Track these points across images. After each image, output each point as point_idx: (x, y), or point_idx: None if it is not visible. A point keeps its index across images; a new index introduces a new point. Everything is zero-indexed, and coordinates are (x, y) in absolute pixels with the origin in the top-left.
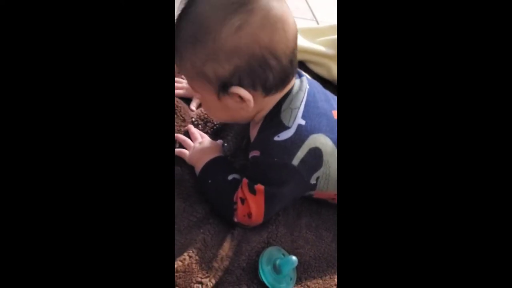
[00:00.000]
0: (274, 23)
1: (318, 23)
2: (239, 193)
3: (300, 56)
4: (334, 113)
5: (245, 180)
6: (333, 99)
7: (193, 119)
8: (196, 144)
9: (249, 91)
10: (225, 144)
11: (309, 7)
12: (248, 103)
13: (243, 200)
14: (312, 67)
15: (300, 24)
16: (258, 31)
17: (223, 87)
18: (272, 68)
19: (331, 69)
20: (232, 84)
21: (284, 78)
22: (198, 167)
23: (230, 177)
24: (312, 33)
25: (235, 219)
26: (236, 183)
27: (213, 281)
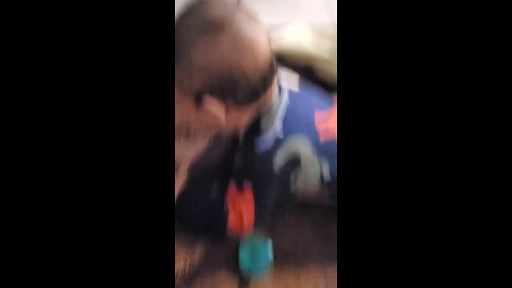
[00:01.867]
0: (242, 46)
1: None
2: (229, 202)
3: (307, 63)
4: (317, 114)
5: (232, 186)
6: (323, 100)
7: None
8: None
9: (221, 103)
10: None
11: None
12: (217, 113)
13: (233, 206)
14: (317, 69)
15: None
16: (226, 52)
17: (198, 99)
18: (240, 86)
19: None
20: (206, 94)
21: (255, 95)
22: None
23: (213, 190)
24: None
25: (229, 226)
26: (222, 193)
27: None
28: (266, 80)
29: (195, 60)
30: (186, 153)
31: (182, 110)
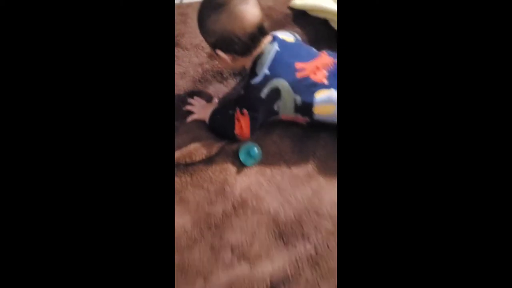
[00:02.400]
0: (234, 19)
1: None
2: (236, 115)
3: (322, 15)
4: (297, 64)
5: (237, 109)
6: (310, 51)
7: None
8: (199, 104)
9: (226, 54)
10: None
11: None
12: (225, 60)
13: (237, 119)
14: (333, 24)
15: None
16: (225, 22)
17: (214, 49)
18: (236, 43)
19: None
20: (216, 48)
21: (247, 48)
22: (207, 115)
23: (230, 112)
24: None
25: (235, 131)
26: (233, 114)
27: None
28: (254, 39)
29: (209, 27)
30: (215, 89)
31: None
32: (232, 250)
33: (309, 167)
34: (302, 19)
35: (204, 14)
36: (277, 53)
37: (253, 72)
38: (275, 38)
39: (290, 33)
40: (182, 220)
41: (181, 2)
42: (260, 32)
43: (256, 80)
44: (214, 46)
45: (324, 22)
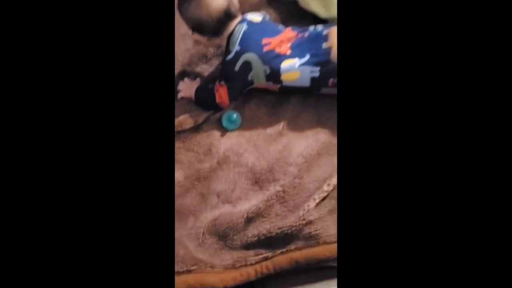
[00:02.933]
0: (201, 7)
1: None
2: (216, 87)
3: None
4: (264, 40)
5: (217, 82)
6: (275, 28)
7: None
8: (185, 84)
9: (201, 35)
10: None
11: None
12: (202, 41)
13: (217, 90)
14: (302, 4)
15: None
16: (195, 10)
17: (193, 33)
18: (206, 26)
19: (310, 6)
20: (193, 32)
21: (217, 30)
22: (192, 92)
23: (210, 86)
24: None
25: (216, 100)
26: (213, 87)
27: None
28: (222, 23)
29: (184, 14)
30: (201, 69)
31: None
32: (218, 196)
33: (280, 127)
34: (274, 1)
35: (180, 4)
36: (245, 32)
37: (227, 49)
38: (243, 20)
39: (261, 13)
40: (177, 174)
41: None
42: (226, 16)
43: (230, 56)
44: (192, 30)
45: (294, 2)
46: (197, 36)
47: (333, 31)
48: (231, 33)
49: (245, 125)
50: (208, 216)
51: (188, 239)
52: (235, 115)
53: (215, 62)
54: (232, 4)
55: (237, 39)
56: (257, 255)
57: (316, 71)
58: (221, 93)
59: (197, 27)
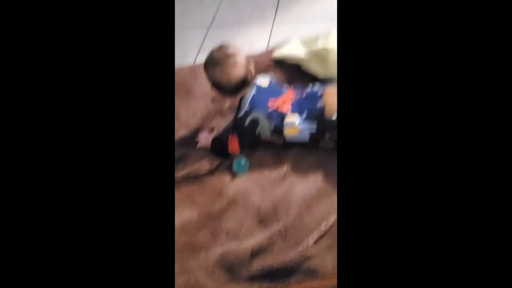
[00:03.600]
0: (223, 74)
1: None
2: (229, 138)
3: (295, 62)
4: (272, 101)
5: (230, 135)
6: (280, 90)
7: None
8: (203, 135)
9: (218, 92)
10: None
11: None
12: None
13: (230, 141)
14: (303, 67)
15: (330, 26)
16: (217, 74)
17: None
18: (223, 87)
19: (311, 68)
20: (212, 88)
21: (234, 91)
22: (209, 143)
23: (223, 138)
24: (306, 43)
25: (229, 150)
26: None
27: None
28: (237, 88)
29: (208, 74)
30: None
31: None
32: (227, 233)
33: (284, 171)
34: (281, 65)
35: (206, 65)
36: (254, 95)
37: (238, 108)
38: (254, 85)
39: (269, 76)
40: (190, 214)
41: (193, 63)
42: (242, 83)
43: (240, 114)
44: (212, 86)
45: (297, 66)
46: (214, 93)
47: (327, 91)
48: (243, 96)
49: (253, 170)
50: (217, 251)
51: (199, 270)
52: (243, 161)
53: (229, 117)
54: (249, 73)
55: (247, 101)
56: (260, 287)
57: (313, 128)
58: (233, 144)
59: (217, 86)
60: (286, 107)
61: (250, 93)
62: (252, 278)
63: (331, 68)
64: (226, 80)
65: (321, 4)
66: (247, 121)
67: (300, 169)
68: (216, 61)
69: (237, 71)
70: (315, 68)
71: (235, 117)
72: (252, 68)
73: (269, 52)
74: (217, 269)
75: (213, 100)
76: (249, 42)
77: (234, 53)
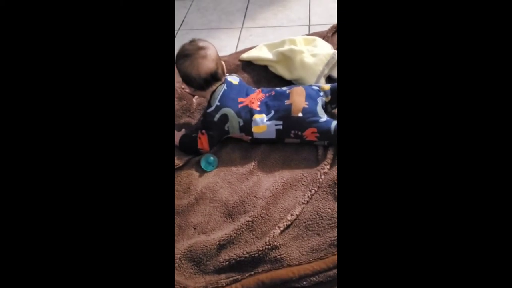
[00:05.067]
0: (192, 67)
1: (309, 31)
2: (198, 135)
3: (262, 63)
4: (241, 99)
5: (199, 131)
6: (249, 89)
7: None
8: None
9: (188, 87)
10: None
11: (309, 16)
12: (190, 90)
13: (199, 138)
14: (271, 69)
15: (295, 32)
16: (187, 67)
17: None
18: (193, 81)
19: (278, 70)
20: (183, 83)
21: (202, 86)
22: (177, 140)
23: (193, 135)
24: (272, 46)
25: (198, 146)
26: (196, 135)
27: None
28: (207, 82)
29: (178, 68)
30: (185, 122)
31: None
32: (194, 227)
33: (251, 167)
34: (249, 67)
35: (176, 58)
36: (225, 90)
37: (209, 103)
38: (225, 81)
39: (237, 76)
40: None
41: None
42: (212, 77)
43: (211, 109)
44: (182, 80)
45: (264, 67)
46: (184, 86)
47: (294, 91)
48: (214, 91)
49: (221, 166)
50: (184, 244)
51: None
52: (212, 158)
53: (197, 115)
54: (220, 67)
55: (218, 96)
56: (228, 278)
57: (279, 124)
58: (203, 141)
59: (187, 79)
60: (255, 105)
61: (221, 88)
62: (220, 270)
63: (297, 70)
64: (196, 72)
65: (287, 11)
66: (217, 116)
67: (266, 165)
68: (186, 53)
69: (208, 64)
70: (281, 71)
71: (205, 112)
72: (223, 63)
73: (238, 53)
74: (184, 262)
75: (181, 98)
76: (218, 46)
77: (205, 46)
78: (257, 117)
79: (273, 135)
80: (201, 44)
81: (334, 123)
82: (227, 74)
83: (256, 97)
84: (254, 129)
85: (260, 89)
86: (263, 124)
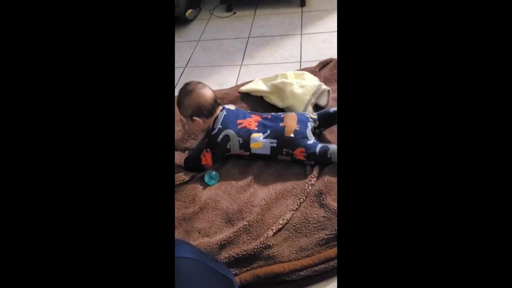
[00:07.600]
0: (199, 96)
1: (300, 66)
2: (203, 153)
3: (259, 94)
4: (239, 121)
5: (204, 149)
6: (246, 114)
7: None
8: (176, 155)
9: (199, 118)
10: (188, 151)
11: (300, 54)
12: (199, 122)
13: (203, 155)
14: (266, 99)
15: (288, 68)
16: (194, 99)
17: (191, 118)
18: (203, 110)
19: (272, 100)
20: (193, 116)
21: (209, 113)
22: (182, 161)
23: (195, 155)
24: (267, 80)
25: (202, 162)
26: (199, 154)
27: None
28: (212, 109)
29: (185, 105)
30: (190, 144)
31: (186, 124)
32: (199, 232)
33: (248, 181)
34: (247, 97)
35: (181, 98)
36: (225, 115)
37: (212, 127)
38: (223, 108)
39: (233, 105)
40: None
41: None
42: (216, 103)
43: (214, 131)
44: (191, 116)
45: (260, 98)
46: (196, 118)
47: (288, 116)
48: (216, 117)
49: (222, 180)
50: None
51: None
52: (214, 173)
53: (200, 138)
54: (216, 96)
55: (220, 120)
56: None
57: (274, 142)
58: (207, 157)
59: (196, 112)
60: (253, 125)
61: (222, 113)
62: None
63: (288, 99)
64: (204, 99)
65: (281, 50)
66: (220, 137)
67: (262, 179)
68: (189, 89)
69: (209, 91)
70: (275, 100)
71: (209, 134)
72: (215, 94)
73: (237, 86)
74: None
75: (184, 125)
76: (220, 81)
77: (199, 82)
78: (255, 135)
79: (268, 151)
80: (195, 81)
81: (319, 146)
82: (224, 105)
83: (254, 119)
84: (252, 145)
85: (257, 114)
86: (259, 141)
